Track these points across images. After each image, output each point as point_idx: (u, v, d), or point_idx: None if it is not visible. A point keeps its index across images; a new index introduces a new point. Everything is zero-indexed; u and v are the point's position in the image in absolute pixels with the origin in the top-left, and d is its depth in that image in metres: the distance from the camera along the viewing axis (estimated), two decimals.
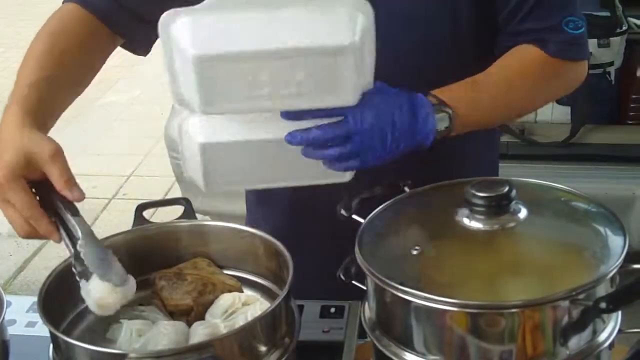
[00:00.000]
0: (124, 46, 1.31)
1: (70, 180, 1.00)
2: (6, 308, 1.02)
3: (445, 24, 1.20)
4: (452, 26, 1.20)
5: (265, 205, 1.39)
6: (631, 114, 2.96)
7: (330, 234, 1.16)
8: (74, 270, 0.98)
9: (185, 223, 1.13)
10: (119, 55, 1.35)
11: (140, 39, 1.30)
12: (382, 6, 1.03)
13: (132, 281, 1.00)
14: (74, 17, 1.23)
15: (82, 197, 1.00)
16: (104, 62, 1.29)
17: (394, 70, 1.08)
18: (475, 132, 1.19)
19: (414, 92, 1.09)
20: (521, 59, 1.21)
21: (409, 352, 0.89)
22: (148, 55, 1.33)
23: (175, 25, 0.97)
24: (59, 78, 1.15)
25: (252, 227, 1.12)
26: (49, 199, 1.01)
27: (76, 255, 0.98)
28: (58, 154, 1.01)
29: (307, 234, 1.29)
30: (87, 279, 0.97)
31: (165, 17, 0.98)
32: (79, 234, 0.98)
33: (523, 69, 1.21)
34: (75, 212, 1.01)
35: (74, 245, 0.99)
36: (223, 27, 0.96)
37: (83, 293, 0.98)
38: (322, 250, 1.24)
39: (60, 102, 1.16)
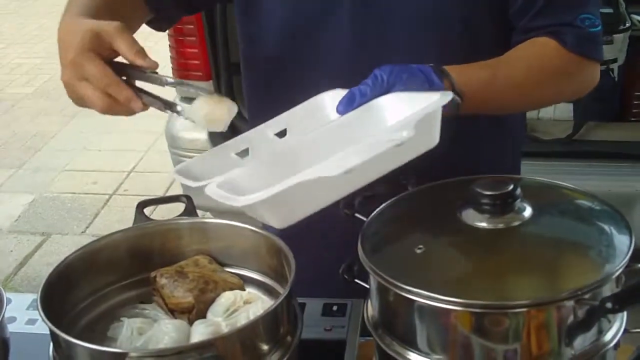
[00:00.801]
0: (149, 22, 1.30)
1: (141, 51, 1.00)
2: (6, 305, 1.01)
3: (459, 23, 1.19)
4: (463, 26, 1.19)
5: None
6: (634, 111, 2.97)
7: (333, 232, 1.15)
8: (175, 111, 1.00)
9: (187, 220, 1.13)
10: None
11: (169, 18, 1.31)
12: (399, 5, 1.02)
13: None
14: None
15: (156, 64, 1.00)
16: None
17: None
18: (482, 132, 1.18)
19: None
20: (540, 48, 1.19)
21: (412, 351, 0.89)
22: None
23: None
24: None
25: (261, 225, 1.11)
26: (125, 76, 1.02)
27: (171, 103, 1.00)
28: (124, 28, 1.01)
29: (310, 232, 1.28)
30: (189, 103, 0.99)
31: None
32: (166, 79, 1.01)
33: (541, 59, 1.19)
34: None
35: (165, 103, 1.00)
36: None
37: (188, 115, 0.99)
38: (325, 248, 1.24)
39: None
